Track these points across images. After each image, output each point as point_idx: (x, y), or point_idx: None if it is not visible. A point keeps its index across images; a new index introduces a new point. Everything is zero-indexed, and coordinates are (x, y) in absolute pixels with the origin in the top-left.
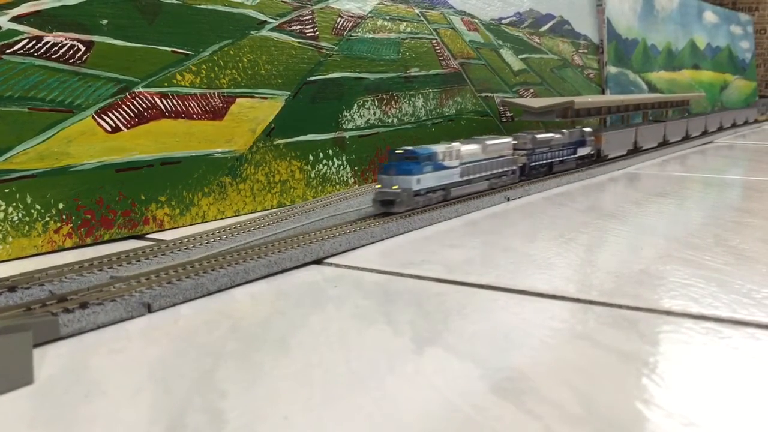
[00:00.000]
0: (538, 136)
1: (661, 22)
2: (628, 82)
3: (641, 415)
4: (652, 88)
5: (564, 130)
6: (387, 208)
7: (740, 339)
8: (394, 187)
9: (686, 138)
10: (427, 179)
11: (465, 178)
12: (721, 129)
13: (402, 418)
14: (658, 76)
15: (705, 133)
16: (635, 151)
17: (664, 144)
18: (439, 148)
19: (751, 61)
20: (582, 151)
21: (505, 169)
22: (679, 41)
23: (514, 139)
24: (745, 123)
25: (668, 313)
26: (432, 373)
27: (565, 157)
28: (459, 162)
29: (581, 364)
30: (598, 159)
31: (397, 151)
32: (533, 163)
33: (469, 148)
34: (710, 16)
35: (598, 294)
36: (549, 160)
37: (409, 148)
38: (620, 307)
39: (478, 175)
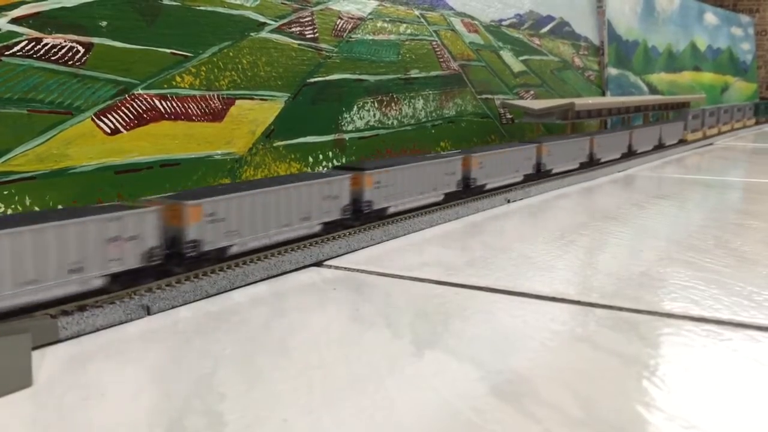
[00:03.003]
0: None
1: (662, 23)
2: (628, 83)
3: (642, 418)
4: (652, 89)
5: None
6: None
7: (741, 341)
8: None
9: (630, 154)
10: None
11: None
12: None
13: (402, 420)
14: (659, 78)
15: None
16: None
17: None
18: None
19: (751, 62)
20: None
21: None
22: (680, 43)
23: None
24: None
25: (669, 315)
26: (432, 375)
27: None
28: None
29: (582, 367)
30: None
31: None
32: None
33: None
34: (711, 17)
35: (598, 296)
36: None
37: None
38: (621, 309)
39: None
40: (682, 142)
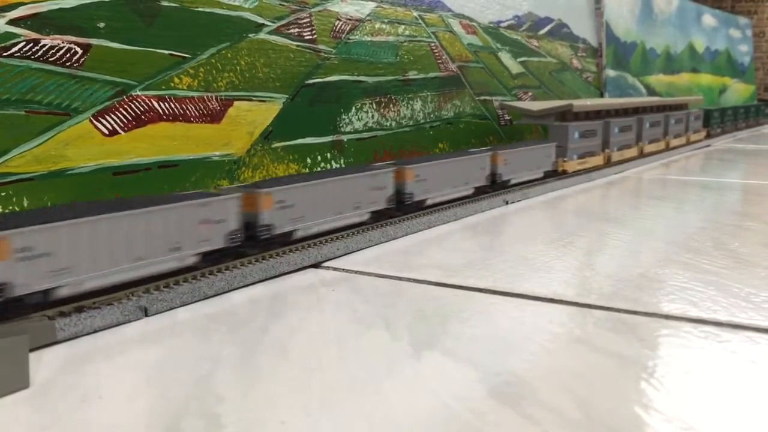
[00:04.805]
0: None
1: (660, 25)
2: (626, 85)
3: (640, 419)
4: (650, 91)
5: None
6: None
7: (739, 343)
8: None
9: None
10: None
11: None
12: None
13: (400, 422)
14: (657, 80)
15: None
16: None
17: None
18: None
19: (749, 64)
20: None
21: None
22: (678, 44)
23: None
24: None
25: (667, 317)
26: (430, 377)
27: None
28: None
29: (580, 369)
30: None
31: None
32: None
33: None
34: (709, 19)
35: (596, 298)
36: None
37: None
38: (619, 311)
39: None
40: (553, 175)
